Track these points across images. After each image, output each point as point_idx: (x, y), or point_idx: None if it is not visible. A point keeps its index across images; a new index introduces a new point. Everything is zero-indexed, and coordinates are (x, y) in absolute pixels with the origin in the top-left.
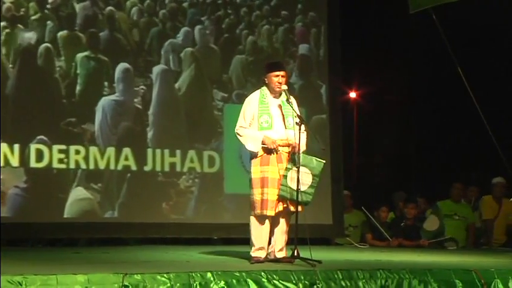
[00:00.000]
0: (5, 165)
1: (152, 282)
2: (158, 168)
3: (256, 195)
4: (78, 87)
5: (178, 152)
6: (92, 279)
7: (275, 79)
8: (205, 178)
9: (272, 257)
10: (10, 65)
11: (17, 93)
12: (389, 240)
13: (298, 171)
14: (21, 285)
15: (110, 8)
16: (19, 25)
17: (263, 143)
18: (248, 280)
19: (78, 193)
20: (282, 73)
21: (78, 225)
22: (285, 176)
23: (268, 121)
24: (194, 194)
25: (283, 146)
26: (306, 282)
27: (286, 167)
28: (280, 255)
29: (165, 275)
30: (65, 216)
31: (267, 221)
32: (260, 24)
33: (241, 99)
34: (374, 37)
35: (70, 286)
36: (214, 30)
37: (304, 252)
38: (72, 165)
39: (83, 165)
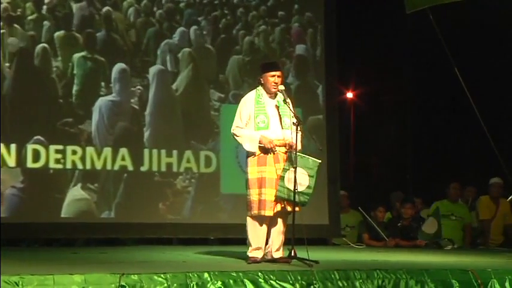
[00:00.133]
0: (2, 165)
1: (149, 282)
2: (155, 168)
3: (254, 195)
4: (74, 88)
5: (174, 152)
6: (89, 280)
7: (271, 79)
8: (202, 178)
9: (269, 257)
10: (7, 65)
11: (13, 93)
12: (386, 241)
13: (295, 172)
14: (18, 285)
15: (106, 8)
16: (16, 25)
17: (260, 143)
18: (245, 280)
19: (75, 193)
20: (278, 73)
21: (75, 226)
22: (282, 177)
23: (265, 121)
24: (191, 194)
25: (279, 146)
26: (303, 282)
27: (283, 168)
28: (277, 255)
29: (162, 275)
30: (62, 216)
31: (264, 222)
32: (257, 25)
33: (237, 100)
34: (371, 37)
35: (67, 286)
36: (211, 31)
37: (301, 253)
38: (69, 166)
39: (80, 166)
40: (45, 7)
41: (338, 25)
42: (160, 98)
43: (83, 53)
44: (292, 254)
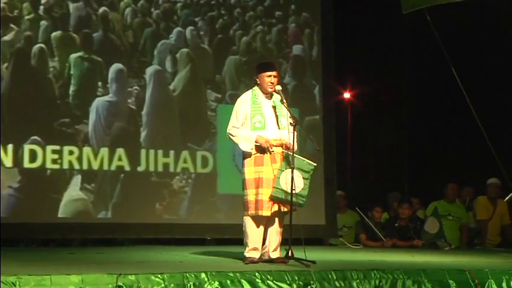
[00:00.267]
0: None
1: (146, 282)
2: (152, 168)
3: (251, 195)
4: (71, 88)
5: (171, 152)
6: (86, 280)
7: (267, 79)
8: (199, 178)
9: (266, 257)
10: (4, 66)
11: (10, 93)
12: (383, 241)
13: (292, 172)
14: (15, 285)
15: (103, 8)
16: (12, 25)
17: (256, 142)
18: (242, 280)
19: (72, 193)
20: (274, 73)
21: (72, 226)
22: (278, 178)
23: (261, 121)
24: (187, 194)
25: (276, 146)
26: (300, 282)
27: (279, 169)
28: (275, 255)
29: (159, 276)
30: (59, 216)
31: (261, 222)
32: (254, 25)
33: (234, 100)
34: (368, 37)
35: (64, 286)
36: (208, 31)
37: (299, 253)
38: (65, 166)
39: (77, 166)
40: (42, 7)
41: (335, 25)
42: (157, 98)
43: (79, 54)
44: (290, 254)
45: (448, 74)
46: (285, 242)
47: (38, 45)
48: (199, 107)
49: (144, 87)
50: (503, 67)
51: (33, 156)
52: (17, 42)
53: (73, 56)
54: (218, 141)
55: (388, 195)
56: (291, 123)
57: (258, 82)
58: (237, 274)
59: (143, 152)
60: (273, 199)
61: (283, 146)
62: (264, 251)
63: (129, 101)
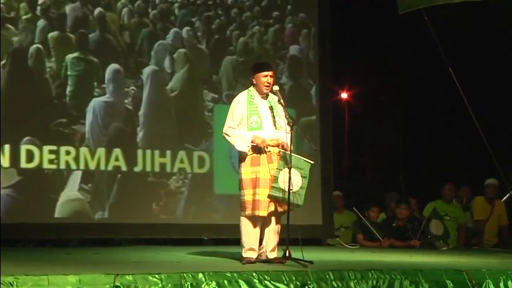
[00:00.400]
0: None
1: (144, 282)
2: (148, 168)
3: (248, 195)
4: (68, 88)
5: (168, 152)
6: (83, 280)
7: (263, 79)
8: (195, 178)
9: (264, 257)
10: (0, 66)
11: (7, 93)
12: (381, 241)
13: (289, 172)
14: (12, 285)
15: (100, 9)
16: (9, 26)
17: (252, 142)
18: (239, 281)
19: (68, 194)
20: (270, 73)
21: (68, 226)
22: (276, 177)
23: (258, 121)
24: (184, 194)
25: (273, 146)
26: (298, 282)
27: (276, 168)
28: (272, 255)
29: (156, 276)
30: (56, 216)
31: (258, 222)
32: (250, 25)
33: (231, 100)
34: (365, 38)
35: (61, 287)
36: (205, 31)
37: (296, 253)
38: (62, 166)
39: (74, 166)
40: (39, 8)
41: (332, 25)
42: (154, 98)
43: (76, 54)
44: (287, 254)
45: (446, 74)
46: (282, 242)
47: (34, 46)
48: (196, 107)
49: (141, 87)
50: (501, 67)
51: (30, 157)
52: (14, 43)
53: (70, 56)
54: (215, 141)
55: (385, 196)
56: (288, 123)
57: (254, 82)
58: (235, 274)
59: (140, 152)
60: (271, 198)
61: (280, 146)
62: (261, 251)
63: (126, 101)
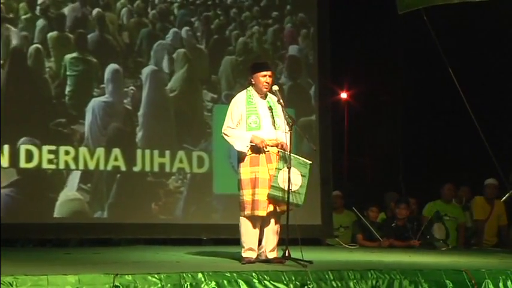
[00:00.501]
0: None
1: (143, 282)
2: (147, 168)
3: (247, 195)
4: (67, 88)
5: (167, 152)
6: (82, 280)
7: (262, 79)
8: (195, 178)
9: (263, 257)
10: (0, 66)
11: (6, 93)
12: (380, 241)
13: (289, 172)
14: (11, 285)
15: (99, 9)
16: (9, 26)
17: (251, 142)
18: (239, 281)
19: (67, 193)
20: (269, 73)
21: (68, 226)
22: (276, 177)
23: (257, 121)
24: (183, 194)
25: (271, 146)
26: (297, 282)
27: (276, 168)
28: (272, 255)
29: (155, 276)
30: (55, 216)
31: (257, 222)
32: (250, 25)
33: (230, 100)
34: (364, 38)
35: (61, 287)
36: (204, 31)
37: (295, 253)
38: (61, 166)
39: (73, 166)
40: (38, 8)
41: (332, 25)
42: (153, 98)
43: (75, 54)
44: (286, 254)
45: (445, 74)
46: (281, 242)
47: (34, 46)
48: (195, 107)
49: (140, 87)
50: (501, 67)
51: (29, 156)
52: (14, 42)
53: (69, 56)
54: (214, 141)
55: (385, 195)
56: (288, 123)
57: (253, 82)
58: (234, 274)
59: (139, 152)
60: (271, 198)
61: (279, 146)
62: (260, 251)
63: (125, 101)
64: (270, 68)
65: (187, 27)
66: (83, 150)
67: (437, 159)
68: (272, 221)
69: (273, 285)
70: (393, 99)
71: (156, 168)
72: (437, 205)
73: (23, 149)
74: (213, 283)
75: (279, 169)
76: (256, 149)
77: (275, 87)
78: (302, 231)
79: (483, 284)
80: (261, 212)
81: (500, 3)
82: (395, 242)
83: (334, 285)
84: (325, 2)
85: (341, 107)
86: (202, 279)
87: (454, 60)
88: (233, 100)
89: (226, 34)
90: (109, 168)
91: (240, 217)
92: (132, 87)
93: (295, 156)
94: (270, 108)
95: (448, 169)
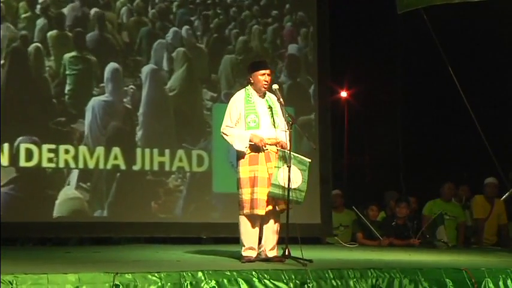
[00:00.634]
0: None
1: (143, 281)
2: (147, 167)
3: (246, 194)
4: (67, 87)
5: (167, 151)
6: (82, 279)
7: (261, 78)
8: (194, 177)
9: (263, 256)
10: (0, 65)
11: (6, 92)
12: (380, 240)
13: (289, 171)
14: (12, 284)
15: (99, 8)
16: (9, 24)
17: (250, 141)
18: (239, 279)
19: (67, 192)
20: (267, 71)
21: (67, 225)
22: (276, 175)
23: (256, 120)
24: (183, 193)
25: (271, 145)
26: (297, 281)
27: (275, 166)
28: (272, 254)
29: (156, 275)
30: (55, 215)
31: (257, 221)
32: (249, 24)
33: (230, 99)
34: (364, 36)
35: (61, 285)
36: (203, 30)
37: (295, 252)
38: (61, 165)
39: (73, 165)
40: (38, 6)
41: (332, 24)
42: (152, 97)
43: (75, 53)
44: (286, 253)
45: (445, 73)
46: (281, 241)
47: (34, 45)
48: (194, 106)
49: (139, 86)
50: (501, 67)
51: (29, 155)
52: (13, 41)
53: (69, 55)
54: (213, 140)
55: (385, 194)
56: (288, 121)
57: (252, 81)
58: (234, 273)
59: (139, 151)
60: (271, 196)
61: (279, 145)
62: (260, 250)
63: (125, 100)
64: (268, 66)
65: (187, 26)
66: (82, 149)
67: (437, 158)
68: (271, 219)
69: (273, 284)
70: (393, 98)
71: (155, 167)
72: (437, 204)
73: (22, 147)
74: (213, 282)
75: (278, 168)
76: (256, 148)
77: (275, 86)
78: (302, 230)
79: (483, 283)
80: (260, 211)
81: (500, 3)
82: (395, 240)
83: (334, 284)
84: (324, 1)
85: (341, 106)
86: (202, 278)
87: (454, 60)
88: (232, 99)
89: (226, 33)
90: (109, 167)
91: (240, 216)
92: (131, 86)
93: (295, 154)
94: (270, 107)
95: (448, 168)
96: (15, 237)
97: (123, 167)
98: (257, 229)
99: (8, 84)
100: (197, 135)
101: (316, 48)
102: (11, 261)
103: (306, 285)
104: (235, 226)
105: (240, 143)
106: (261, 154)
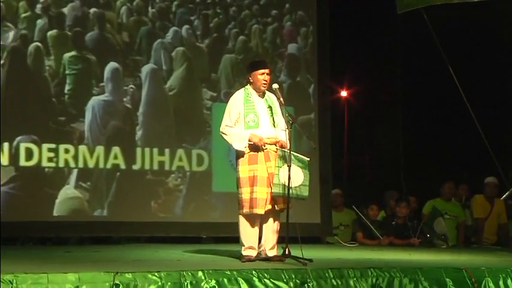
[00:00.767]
0: None
1: (143, 281)
2: (147, 166)
3: (245, 194)
4: (67, 87)
5: (167, 150)
6: (82, 278)
7: (260, 77)
8: (194, 177)
9: (263, 255)
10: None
11: (6, 92)
12: (380, 239)
13: (289, 170)
14: (12, 283)
15: (99, 7)
16: (9, 24)
17: (250, 141)
18: (239, 279)
19: (67, 192)
20: (267, 71)
21: (67, 224)
22: (277, 175)
23: (255, 120)
24: (182, 192)
25: (270, 145)
26: (297, 281)
27: (276, 165)
28: (272, 253)
29: (156, 274)
30: (55, 214)
31: (256, 220)
32: (249, 24)
33: (229, 99)
34: (364, 36)
35: (61, 285)
36: (203, 30)
37: (295, 251)
38: (61, 164)
39: (72, 164)
40: (38, 6)
41: (332, 24)
42: (152, 97)
43: (75, 52)
44: (286, 252)
45: (445, 73)
46: (281, 241)
47: (34, 44)
48: (194, 105)
49: (139, 86)
50: (501, 67)
51: (29, 155)
52: (13, 41)
53: (69, 54)
54: (213, 139)
55: (385, 194)
56: (288, 121)
57: (251, 81)
58: (234, 272)
59: (139, 150)
60: (275, 196)
61: (278, 144)
62: (260, 249)
63: (125, 99)
64: (268, 65)
65: (187, 26)
66: (82, 148)
67: (437, 158)
68: (271, 219)
69: (273, 283)
70: (393, 97)
71: (155, 167)
72: (437, 203)
73: (22, 147)
74: (213, 281)
75: (278, 167)
76: (255, 148)
77: (275, 86)
78: (302, 230)
79: (483, 282)
80: (260, 210)
81: (500, 3)
82: (395, 240)
83: (334, 283)
84: (324, 1)
85: (341, 106)
86: (203, 278)
87: (454, 60)
88: (231, 98)
89: (226, 32)
90: (108, 166)
91: (239, 215)
92: (131, 86)
93: (294, 153)
94: (269, 107)
95: (448, 168)
96: (15, 236)
97: (123, 166)
98: (257, 228)
99: (8, 83)
100: (197, 134)
101: (316, 48)
102: (11, 260)
103: (306, 285)
104: (235, 225)
105: (239, 143)
106: (261, 153)
